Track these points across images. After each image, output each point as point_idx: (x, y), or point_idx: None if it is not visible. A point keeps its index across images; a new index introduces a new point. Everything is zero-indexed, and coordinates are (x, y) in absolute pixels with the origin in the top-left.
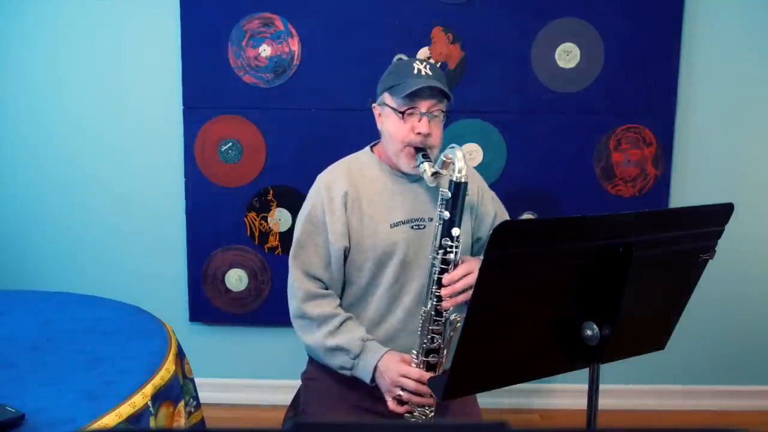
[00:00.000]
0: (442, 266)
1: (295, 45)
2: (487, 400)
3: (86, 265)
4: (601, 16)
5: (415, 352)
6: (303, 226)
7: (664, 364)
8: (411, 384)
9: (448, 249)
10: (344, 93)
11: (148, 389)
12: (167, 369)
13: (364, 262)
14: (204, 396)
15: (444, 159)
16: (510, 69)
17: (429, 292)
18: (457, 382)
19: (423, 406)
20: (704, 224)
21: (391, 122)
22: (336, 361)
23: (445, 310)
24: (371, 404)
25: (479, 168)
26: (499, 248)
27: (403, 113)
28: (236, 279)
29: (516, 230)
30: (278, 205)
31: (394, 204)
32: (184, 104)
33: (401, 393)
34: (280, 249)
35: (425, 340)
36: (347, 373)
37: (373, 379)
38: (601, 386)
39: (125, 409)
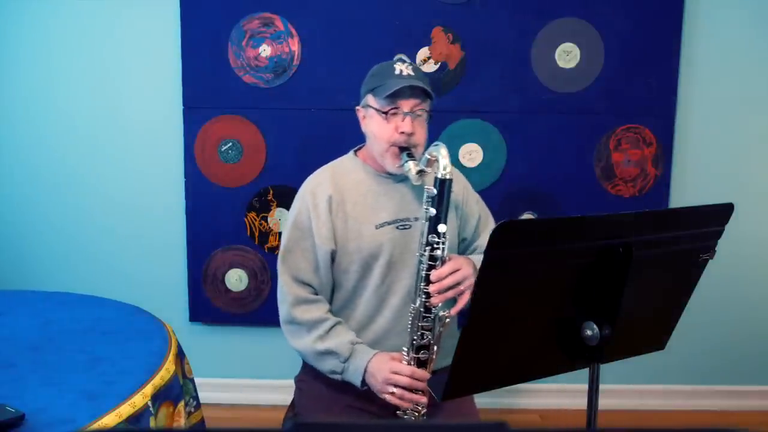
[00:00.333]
0: (430, 263)
1: (295, 45)
2: (487, 400)
3: (86, 265)
4: (601, 16)
5: (405, 349)
6: (290, 231)
7: (664, 364)
8: (403, 380)
9: (435, 245)
10: (344, 93)
11: (148, 389)
12: (167, 369)
13: (350, 264)
14: (204, 396)
15: (428, 157)
16: (510, 69)
17: (417, 289)
18: (457, 382)
19: (415, 403)
20: (704, 224)
21: (375, 123)
22: (326, 366)
23: (433, 307)
24: (364, 404)
25: (479, 168)
26: (499, 248)
27: (386, 113)
28: (236, 279)
29: (516, 230)
30: (278, 205)
31: (378, 205)
32: (184, 104)
33: (394, 390)
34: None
35: (415, 337)
36: (338, 377)
37: (363, 382)
38: (601, 386)
39: (125, 409)
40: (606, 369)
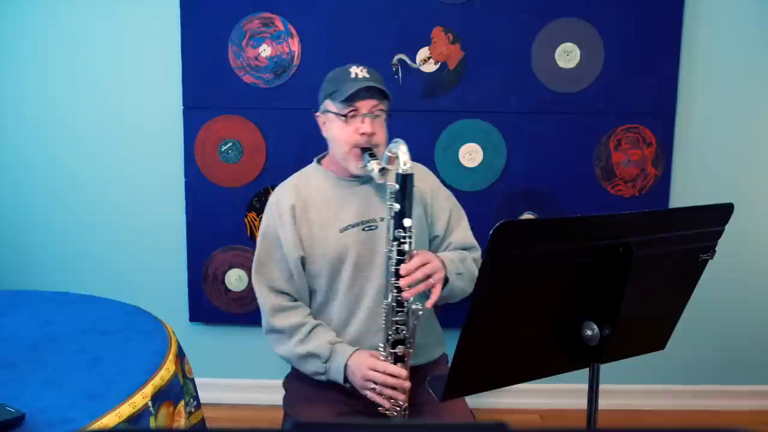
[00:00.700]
0: (398, 257)
1: (295, 45)
2: (487, 400)
3: (86, 265)
4: (601, 16)
5: (381, 345)
6: (260, 243)
7: (664, 364)
8: (379, 377)
9: (402, 240)
10: None
11: (148, 389)
12: (167, 369)
13: (319, 270)
14: (204, 396)
15: (389, 154)
16: (510, 69)
17: (388, 285)
18: (457, 382)
19: (394, 399)
20: (704, 224)
21: (336, 127)
22: (310, 368)
23: (406, 301)
24: (350, 401)
25: (479, 168)
26: (499, 248)
27: (345, 116)
28: (236, 279)
29: (516, 230)
30: None
31: (342, 209)
32: (184, 104)
33: (374, 386)
34: None
35: (390, 332)
36: (322, 378)
37: (346, 379)
38: (601, 386)
39: (125, 409)
40: (606, 369)
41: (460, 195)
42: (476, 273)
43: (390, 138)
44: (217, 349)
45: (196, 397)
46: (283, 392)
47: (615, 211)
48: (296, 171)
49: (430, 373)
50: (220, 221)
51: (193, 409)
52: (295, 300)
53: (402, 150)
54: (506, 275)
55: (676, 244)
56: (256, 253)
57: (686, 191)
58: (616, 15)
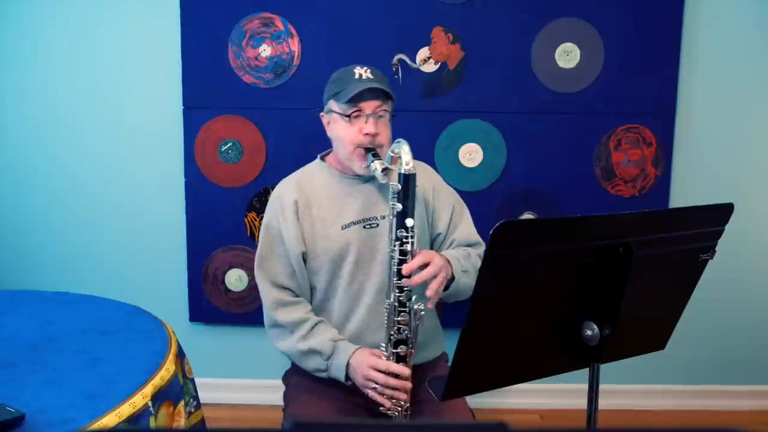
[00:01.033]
0: (401, 257)
1: (295, 45)
2: (487, 400)
3: (86, 265)
4: (601, 16)
5: (383, 345)
6: (263, 239)
7: (664, 364)
8: (380, 377)
9: (404, 240)
10: None
11: (148, 389)
12: (167, 369)
13: (320, 266)
14: (204, 396)
15: (392, 155)
16: (510, 69)
17: (391, 284)
18: (457, 382)
19: (396, 399)
20: (704, 224)
21: (340, 127)
22: (311, 365)
23: (408, 300)
24: (347, 395)
25: (479, 168)
26: (499, 248)
27: (349, 116)
28: (236, 279)
29: (516, 230)
30: None
31: (344, 207)
32: (184, 104)
33: (375, 386)
34: None
35: (392, 332)
36: (323, 375)
37: (347, 378)
38: (601, 386)
39: (125, 409)
40: (606, 369)
41: (460, 195)
42: None
43: (393, 138)
44: (217, 349)
45: (196, 397)
46: (282, 391)
47: (615, 211)
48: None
49: (429, 371)
50: (220, 221)
51: (193, 409)
52: (297, 295)
53: (404, 150)
54: (506, 275)
55: (676, 244)
56: (258, 247)
57: (686, 191)
58: (616, 15)
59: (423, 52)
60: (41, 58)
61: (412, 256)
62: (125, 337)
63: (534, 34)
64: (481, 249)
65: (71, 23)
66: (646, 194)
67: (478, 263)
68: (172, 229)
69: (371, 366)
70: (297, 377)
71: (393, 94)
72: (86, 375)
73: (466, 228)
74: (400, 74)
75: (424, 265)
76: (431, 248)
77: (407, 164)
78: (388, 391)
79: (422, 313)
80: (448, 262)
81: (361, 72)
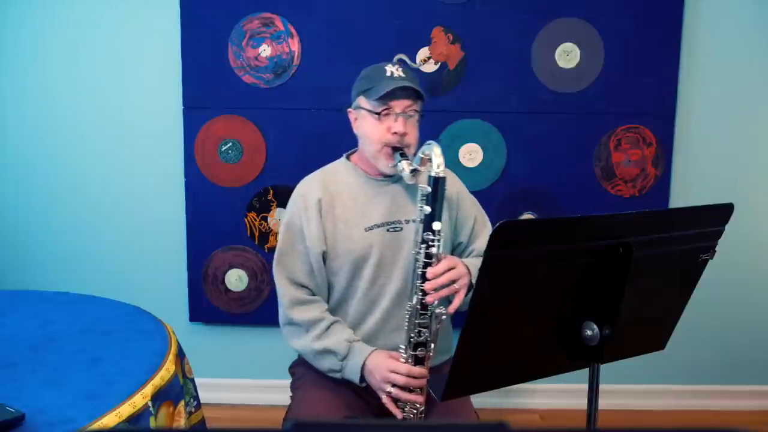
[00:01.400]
0: (426, 260)
1: (295, 45)
2: (487, 400)
3: (86, 265)
4: (601, 16)
5: (402, 346)
6: (283, 235)
7: (664, 364)
8: (401, 379)
9: (431, 243)
10: (344, 93)
11: (148, 389)
12: (167, 369)
13: (340, 266)
14: (204, 396)
15: (422, 156)
16: (510, 69)
17: (414, 287)
18: (457, 382)
19: (413, 402)
20: (704, 224)
21: (368, 124)
22: (325, 364)
23: (430, 304)
24: (356, 387)
25: (479, 168)
26: (499, 248)
27: (378, 114)
28: (236, 279)
29: (516, 230)
30: (278, 205)
31: (368, 208)
32: (184, 104)
33: (391, 390)
34: None
35: (412, 335)
36: (337, 375)
37: (362, 379)
38: (601, 386)
39: (125, 409)
40: (606, 369)
41: None
42: None
43: (421, 139)
44: (217, 349)
45: (196, 397)
46: (283, 392)
47: (615, 211)
48: (296, 171)
49: (439, 373)
50: (220, 221)
51: (193, 409)
52: (314, 294)
53: (436, 152)
54: (506, 275)
55: (676, 244)
56: (278, 244)
57: (686, 191)
58: (616, 15)
59: (423, 52)
60: (41, 58)
61: (438, 260)
62: (125, 337)
63: (534, 34)
64: None
65: (71, 23)
66: (646, 194)
67: None
68: (172, 229)
69: (391, 369)
70: (303, 368)
71: (424, 93)
72: (86, 375)
73: (485, 238)
74: None
75: (448, 270)
76: (452, 254)
77: (438, 167)
78: (404, 396)
79: (444, 317)
80: (469, 270)
81: (393, 70)
